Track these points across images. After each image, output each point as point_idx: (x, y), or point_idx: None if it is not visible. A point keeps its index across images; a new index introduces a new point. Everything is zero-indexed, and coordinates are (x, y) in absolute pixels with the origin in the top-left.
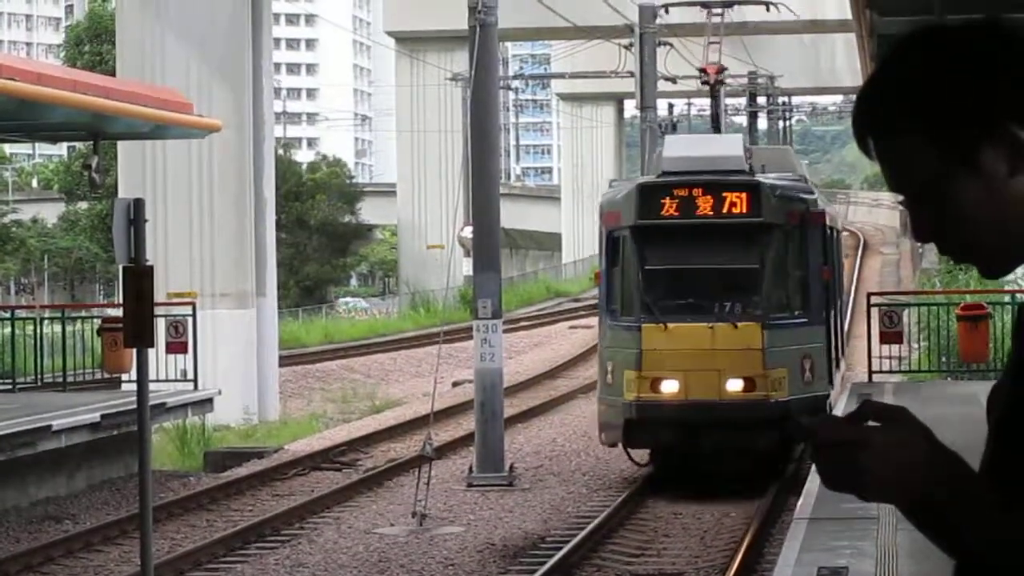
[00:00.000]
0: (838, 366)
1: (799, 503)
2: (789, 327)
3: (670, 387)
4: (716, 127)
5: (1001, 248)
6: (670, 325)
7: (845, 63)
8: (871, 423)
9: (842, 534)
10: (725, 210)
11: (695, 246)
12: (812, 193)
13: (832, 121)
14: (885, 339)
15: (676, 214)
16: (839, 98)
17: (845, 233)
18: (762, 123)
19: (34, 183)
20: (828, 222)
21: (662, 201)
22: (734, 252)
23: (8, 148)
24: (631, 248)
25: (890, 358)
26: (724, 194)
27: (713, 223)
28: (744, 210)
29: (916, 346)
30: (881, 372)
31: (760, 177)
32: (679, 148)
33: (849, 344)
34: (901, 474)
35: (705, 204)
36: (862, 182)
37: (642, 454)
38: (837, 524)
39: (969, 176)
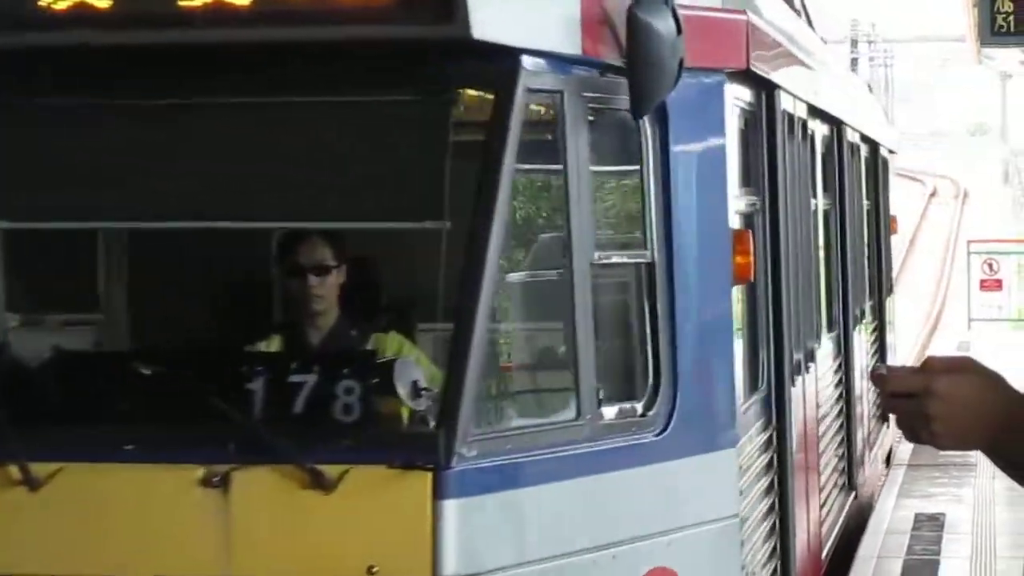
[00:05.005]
0: None
1: (898, 449)
2: (565, 467)
3: None
4: None
5: None
6: (40, 469)
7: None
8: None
9: (940, 481)
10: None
11: (162, 148)
12: None
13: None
14: (984, 287)
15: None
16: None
17: (946, 180)
18: (864, 70)
19: None
20: (813, 84)
21: None
22: (328, 173)
23: None
24: None
25: (989, 306)
26: None
27: (236, 58)
28: None
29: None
30: (979, 320)
31: None
32: None
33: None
34: (969, 420)
35: None
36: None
37: None
38: (935, 471)
39: None
